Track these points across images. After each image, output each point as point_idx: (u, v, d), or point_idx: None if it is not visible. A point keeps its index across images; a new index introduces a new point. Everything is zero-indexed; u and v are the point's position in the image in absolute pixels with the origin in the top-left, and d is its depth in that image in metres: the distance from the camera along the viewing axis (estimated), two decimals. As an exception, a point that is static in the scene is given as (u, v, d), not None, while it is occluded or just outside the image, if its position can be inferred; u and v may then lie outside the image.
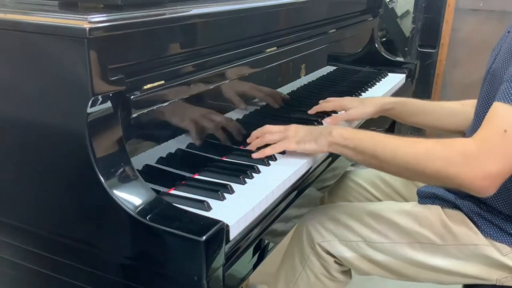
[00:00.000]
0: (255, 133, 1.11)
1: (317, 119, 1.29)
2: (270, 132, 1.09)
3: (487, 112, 0.94)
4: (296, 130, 1.08)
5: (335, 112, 1.36)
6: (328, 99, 1.38)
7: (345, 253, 1.15)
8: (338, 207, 1.23)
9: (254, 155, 1.05)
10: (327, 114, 1.35)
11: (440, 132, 1.31)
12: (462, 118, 1.28)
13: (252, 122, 1.20)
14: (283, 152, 1.09)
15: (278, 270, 1.28)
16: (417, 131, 2.64)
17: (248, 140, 1.12)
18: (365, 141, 1.01)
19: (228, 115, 1.12)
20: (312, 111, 1.35)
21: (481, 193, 0.91)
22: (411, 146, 0.96)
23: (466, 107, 1.29)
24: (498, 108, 0.91)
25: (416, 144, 0.96)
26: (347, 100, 1.36)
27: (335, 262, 1.18)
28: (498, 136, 0.88)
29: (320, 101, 1.38)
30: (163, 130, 0.95)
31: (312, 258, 1.18)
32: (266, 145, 1.08)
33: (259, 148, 1.07)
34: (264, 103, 1.27)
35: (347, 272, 1.22)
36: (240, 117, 1.17)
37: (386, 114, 1.38)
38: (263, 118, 1.24)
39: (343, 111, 1.35)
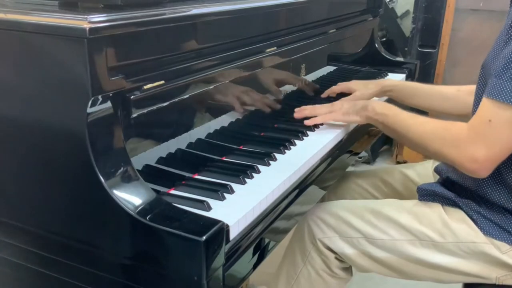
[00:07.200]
0: (303, 109, 1.26)
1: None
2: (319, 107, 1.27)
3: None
4: (341, 104, 1.26)
5: (344, 94, 1.46)
6: (338, 84, 1.51)
7: (346, 249, 1.16)
8: (340, 204, 1.24)
9: (306, 122, 1.24)
10: (334, 98, 1.46)
11: (439, 114, 1.39)
12: (453, 102, 1.36)
13: (251, 122, 1.20)
14: (284, 152, 1.10)
15: (279, 267, 1.29)
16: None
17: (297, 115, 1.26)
18: (389, 117, 1.15)
19: (228, 115, 1.12)
20: (324, 95, 1.49)
21: (472, 174, 1.01)
22: (420, 126, 1.09)
23: (461, 92, 1.36)
24: (485, 103, 0.97)
25: (425, 124, 1.08)
26: (352, 83, 1.48)
27: (336, 258, 1.19)
28: (484, 125, 0.96)
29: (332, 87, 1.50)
30: (163, 130, 0.95)
31: (313, 254, 1.19)
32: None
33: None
34: (264, 103, 1.27)
35: (347, 269, 1.23)
36: (240, 117, 1.17)
37: (387, 95, 1.49)
38: (262, 118, 1.25)
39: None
